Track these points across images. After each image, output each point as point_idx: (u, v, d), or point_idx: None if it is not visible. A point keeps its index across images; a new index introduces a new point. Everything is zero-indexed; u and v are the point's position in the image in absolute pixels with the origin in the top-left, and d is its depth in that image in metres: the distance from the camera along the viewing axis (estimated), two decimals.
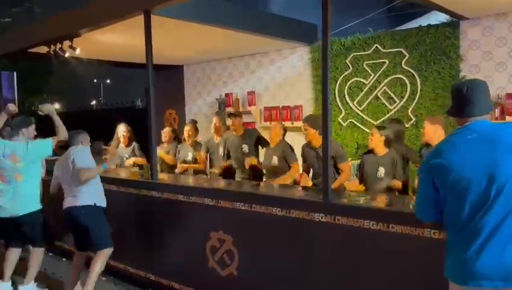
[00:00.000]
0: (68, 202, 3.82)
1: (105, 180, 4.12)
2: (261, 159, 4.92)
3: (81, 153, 3.83)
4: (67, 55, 5.33)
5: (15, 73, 7.94)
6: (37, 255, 4.07)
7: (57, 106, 35.99)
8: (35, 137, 4.19)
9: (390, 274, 2.61)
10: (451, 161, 1.91)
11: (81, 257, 3.98)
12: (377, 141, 4.01)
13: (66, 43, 5.15)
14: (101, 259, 3.75)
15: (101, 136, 5.60)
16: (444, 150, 1.98)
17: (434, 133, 3.79)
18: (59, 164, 3.97)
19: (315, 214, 2.93)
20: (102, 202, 3.90)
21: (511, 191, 1.80)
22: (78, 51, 5.22)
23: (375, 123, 5.59)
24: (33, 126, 4.15)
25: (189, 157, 5.36)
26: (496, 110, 4.60)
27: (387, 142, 4.00)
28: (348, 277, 2.81)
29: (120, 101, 14.94)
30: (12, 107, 4.08)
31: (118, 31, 4.99)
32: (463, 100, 2.00)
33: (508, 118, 4.55)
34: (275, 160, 4.47)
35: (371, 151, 4.12)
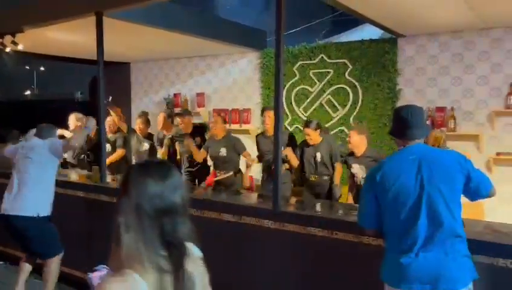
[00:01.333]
0: (9, 206, 3.57)
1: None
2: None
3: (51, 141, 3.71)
4: (8, 50, 5.10)
5: None
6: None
7: None
8: None
9: (333, 277, 2.85)
10: (393, 178, 2.16)
11: (30, 260, 3.81)
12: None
13: (8, 37, 4.92)
14: (54, 266, 3.65)
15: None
16: (387, 168, 2.22)
17: (360, 142, 4.15)
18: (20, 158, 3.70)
19: (265, 221, 3.10)
20: (46, 211, 3.67)
21: (439, 210, 2.06)
22: (20, 47, 5.01)
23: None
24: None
25: (145, 148, 5.42)
26: (427, 122, 5.05)
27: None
28: (294, 280, 3.01)
29: (57, 92, 14.23)
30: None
31: (65, 29, 4.86)
32: (406, 124, 2.22)
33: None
34: (223, 151, 4.68)
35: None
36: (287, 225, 3.00)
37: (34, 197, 3.58)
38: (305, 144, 4.57)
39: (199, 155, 4.83)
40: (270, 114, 4.37)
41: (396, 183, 2.14)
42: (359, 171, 4.17)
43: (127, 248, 1.20)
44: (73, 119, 5.56)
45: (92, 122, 4.10)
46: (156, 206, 1.22)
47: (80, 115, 5.56)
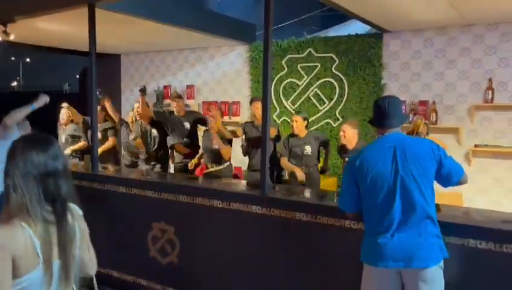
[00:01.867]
0: None
1: None
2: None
3: None
4: None
5: None
6: None
7: None
8: None
9: (318, 259, 3.00)
10: (371, 164, 2.32)
11: None
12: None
13: None
14: None
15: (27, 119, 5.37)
16: (366, 155, 2.38)
17: (353, 136, 4.29)
18: None
19: (253, 207, 3.24)
20: None
21: (413, 194, 2.23)
22: (12, 37, 5.05)
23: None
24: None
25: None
26: (410, 115, 5.23)
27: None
28: (282, 263, 3.16)
29: (45, 84, 14.18)
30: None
31: (55, 19, 4.91)
32: (383, 114, 2.39)
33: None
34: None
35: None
36: (273, 210, 3.14)
37: None
38: (291, 134, 4.71)
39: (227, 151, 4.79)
40: (259, 105, 4.49)
41: (374, 169, 2.30)
42: None
43: (14, 204, 1.47)
44: (65, 114, 5.65)
45: (42, 99, 4.02)
46: (41, 171, 1.51)
47: (72, 109, 5.67)
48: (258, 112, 4.56)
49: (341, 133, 4.36)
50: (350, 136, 4.29)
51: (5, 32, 4.95)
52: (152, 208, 3.79)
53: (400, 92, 5.43)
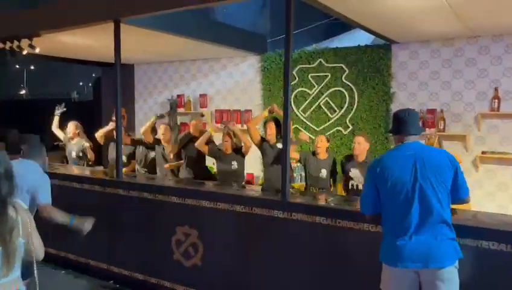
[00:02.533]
0: None
1: (67, 177, 4.32)
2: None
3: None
4: (25, 53, 5.36)
5: None
6: None
7: None
8: None
9: (337, 261, 3.19)
10: (391, 170, 2.51)
11: None
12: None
13: (25, 41, 5.18)
14: None
15: (34, 127, 5.36)
16: (386, 162, 2.57)
17: (365, 149, 4.49)
18: None
19: (274, 211, 3.43)
20: None
21: (430, 200, 2.41)
22: (37, 50, 5.28)
23: (317, 129, 6.26)
24: None
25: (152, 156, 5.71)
26: (440, 122, 5.39)
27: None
28: (302, 265, 3.34)
29: (49, 91, 14.34)
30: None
31: (80, 33, 5.13)
32: (403, 123, 2.58)
33: (428, 130, 5.37)
34: (235, 164, 4.92)
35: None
36: (294, 215, 3.34)
37: None
38: (313, 153, 4.83)
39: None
40: (272, 125, 4.77)
41: (394, 175, 2.48)
42: (357, 176, 4.45)
43: None
44: (72, 128, 5.83)
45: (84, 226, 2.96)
46: None
47: (79, 125, 5.85)
48: (271, 131, 4.77)
49: (355, 145, 4.50)
50: (363, 148, 4.46)
51: (31, 46, 5.17)
52: (176, 212, 3.99)
53: (409, 101, 5.63)
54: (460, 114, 5.39)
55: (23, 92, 28.75)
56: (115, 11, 4.29)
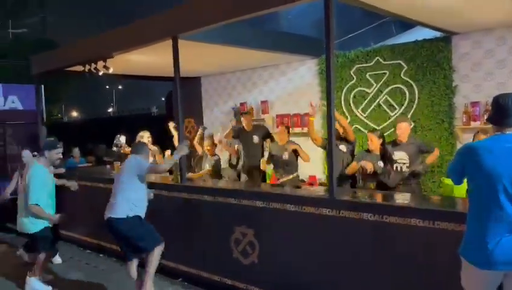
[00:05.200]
0: (107, 209, 4.13)
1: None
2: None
3: (139, 161, 4.20)
4: (101, 73, 5.99)
5: (42, 86, 8.59)
6: None
7: (74, 113, 37.06)
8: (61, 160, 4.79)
9: (386, 257, 3.19)
10: (487, 160, 2.27)
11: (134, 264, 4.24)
12: (376, 144, 4.69)
13: (100, 63, 5.80)
14: (154, 258, 4.03)
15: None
16: (481, 151, 2.32)
17: (407, 129, 4.67)
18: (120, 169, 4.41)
19: (323, 209, 3.51)
20: (135, 212, 4.07)
21: None
22: (111, 70, 5.88)
23: (377, 128, 6.17)
24: (56, 150, 4.64)
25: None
26: (485, 115, 5.14)
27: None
28: (350, 260, 3.38)
29: (134, 108, 15.58)
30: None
31: (145, 52, 5.63)
32: (504, 112, 2.31)
33: None
34: (286, 155, 5.28)
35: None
36: (342, 212, 3.39)
37: (121, 201, 4.06)
38: (367, 150, 4.85)
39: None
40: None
41: (490, 167, 2.24)
42: (402, 157, 4.64)
43: None
44: (144, 139, 6.34)
45: (182, 150, 4.24)
46: None
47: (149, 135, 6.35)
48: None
49: (400, 130, 4.68)
50: (405, 129, 4.64)
51: (106, 67, 5.78)
52: (234, 213, 4.22)
53: (473, 93, 5.37)
54: None
55: (110, 109, 31.33)
56: (172, 28, 4.68)
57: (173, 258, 4.84)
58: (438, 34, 5.64)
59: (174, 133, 6.32)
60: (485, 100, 5.24)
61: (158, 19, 4.91)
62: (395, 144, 4.77)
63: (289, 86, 7.33)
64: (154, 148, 6.31)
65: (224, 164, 6.54)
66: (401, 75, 5.96)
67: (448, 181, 4.17)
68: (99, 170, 7.04)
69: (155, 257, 4.04)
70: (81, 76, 6.59)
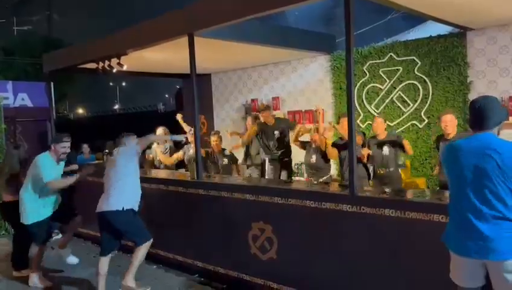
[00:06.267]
0: (100, 204, 4.13)
1: (154, 181, 4.76)
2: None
3: (125, 148, 4.24)
4: (114, 71, 6.01)
5: (52, 84, 8.61)
6: None
7: (79, 110, 37.19)
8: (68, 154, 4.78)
9: (408, 253, 3.20)
10: (457, 157, 2.47)
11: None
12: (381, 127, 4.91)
13: (114, 60, 5.82)
14: (141, 251, 4.13)
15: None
16: (454, 148, 2.53)
17: (455, 124, 4.58)
18: (107, 164, 4.46)
19: (343, 205, 3.52)
20: (131, 205, 4.15)
21: (480, 186, 2.36)
22: (125, 67, 5.89)
23: (391, 125, 6.17)
24: (62, 144, 4.56)
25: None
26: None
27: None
28: (371, 256, 3.39)
29: (138, 105, 15.58)
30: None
31: (159, 49, 5.64)
32: (478, 115, 2.42)
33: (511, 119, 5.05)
34: (313, 158, 5.32)
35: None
36: (363, 208, 3.40)
37: (118, 193, 4.12)
38: (372, 137, 4.99)
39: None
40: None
41: (459, 162, 2.45)
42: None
43: None
44: (160, 132, 6.37)
45: (180, 137, 5.02)
46: None
47: (167, 130, 6.37)
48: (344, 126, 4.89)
49: (446, 124, 4.53)
50: (453, 125, 4.54)
51: (120, 64, 5.79)
52: (251, 209, 4.23)
53: (489, 89, 5.35)
54: None
55: (116, 106, 31.39)
56: (188, 25, 4.68)
57: (190, 255, 4.87)
58: (449, 30, 5.63)
59: (182, 123, 6.38)
60: (500, 96, 5.23)
61: (174, 16, 4.92)
62: (442, 139, 4.64)
63: (300, 83, 7.32)
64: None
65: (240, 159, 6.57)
66: (415, 71, 5.95)
67: None
68: None
69: (142, 251, 4.15)
70: (85, 73, 6.64)
